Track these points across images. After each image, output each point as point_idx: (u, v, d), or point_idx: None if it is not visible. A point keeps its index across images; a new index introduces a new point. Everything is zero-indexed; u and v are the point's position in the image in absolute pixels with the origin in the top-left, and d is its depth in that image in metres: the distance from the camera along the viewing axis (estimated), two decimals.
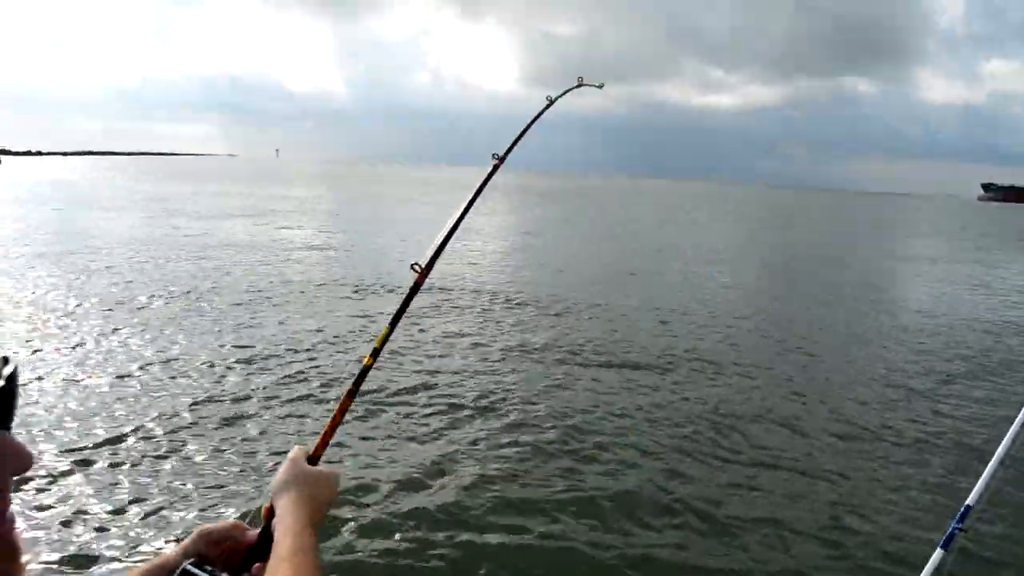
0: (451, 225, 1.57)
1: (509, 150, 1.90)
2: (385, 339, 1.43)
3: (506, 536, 4.78)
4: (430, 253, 1.52)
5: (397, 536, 4.68)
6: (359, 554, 4.47)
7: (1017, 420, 2.56)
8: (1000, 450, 2.51)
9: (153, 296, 11.52)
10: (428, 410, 6.96)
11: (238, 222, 25.50)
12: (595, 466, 5.93)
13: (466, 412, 6.98)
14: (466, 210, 1.63)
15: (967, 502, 2.47)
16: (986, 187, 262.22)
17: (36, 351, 8.16)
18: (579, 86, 2.42)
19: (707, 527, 5.09)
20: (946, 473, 6.23)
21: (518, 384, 7.98)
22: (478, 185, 1.75)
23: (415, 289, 1.49)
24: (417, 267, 1.50)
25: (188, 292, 12.00)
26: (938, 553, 2.41)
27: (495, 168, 1.83)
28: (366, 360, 1.39)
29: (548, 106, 2.17)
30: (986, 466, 2.50)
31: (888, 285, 19.24)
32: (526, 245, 23.43)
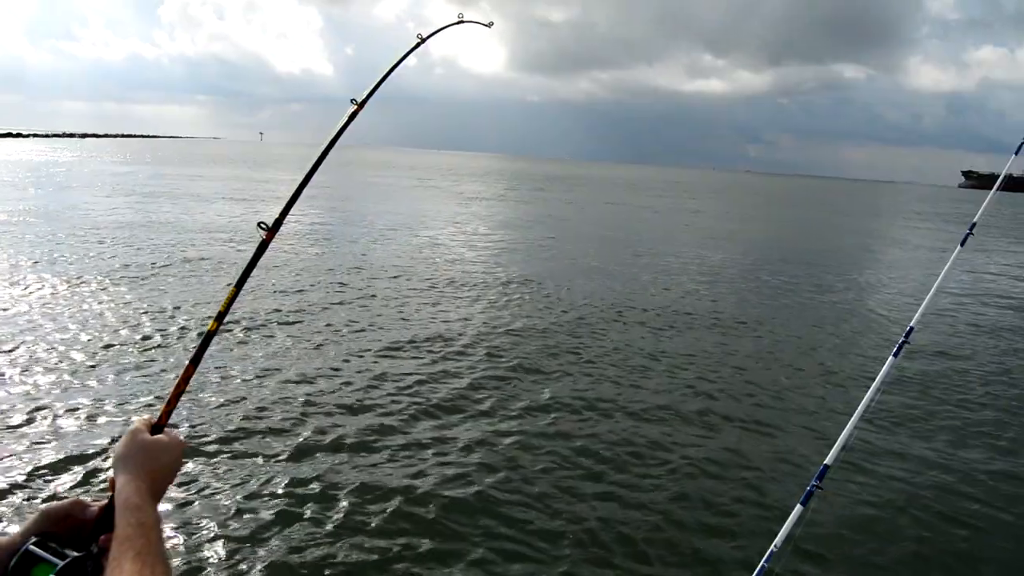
0: (302, 180, 1.56)
1: (371, 93, 1.77)
2: (230, 302, 1.40)
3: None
4: (278, 211, 1.49)
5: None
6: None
7: (872, 387, 2.78)
8: (856, 413, 2.74)
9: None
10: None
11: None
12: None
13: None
14: (318, 163, 1.59)
15: (825, 461, 2.70)
16: (966, 175, 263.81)
17: None
18: (460, 23, 2.18)
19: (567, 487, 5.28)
20: (810, 435, 6.74)
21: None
22: (335, 132, 1.66)
23: (262, 249, 1.45)
24: (264, 226, 1.44)
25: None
26: (798, 509, 2.64)
27: (354, 114, 1.73)
28: (211, 325, 1.37)
29: (419, 44, 2.00)
30: (843, 428, 2.72)
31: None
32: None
